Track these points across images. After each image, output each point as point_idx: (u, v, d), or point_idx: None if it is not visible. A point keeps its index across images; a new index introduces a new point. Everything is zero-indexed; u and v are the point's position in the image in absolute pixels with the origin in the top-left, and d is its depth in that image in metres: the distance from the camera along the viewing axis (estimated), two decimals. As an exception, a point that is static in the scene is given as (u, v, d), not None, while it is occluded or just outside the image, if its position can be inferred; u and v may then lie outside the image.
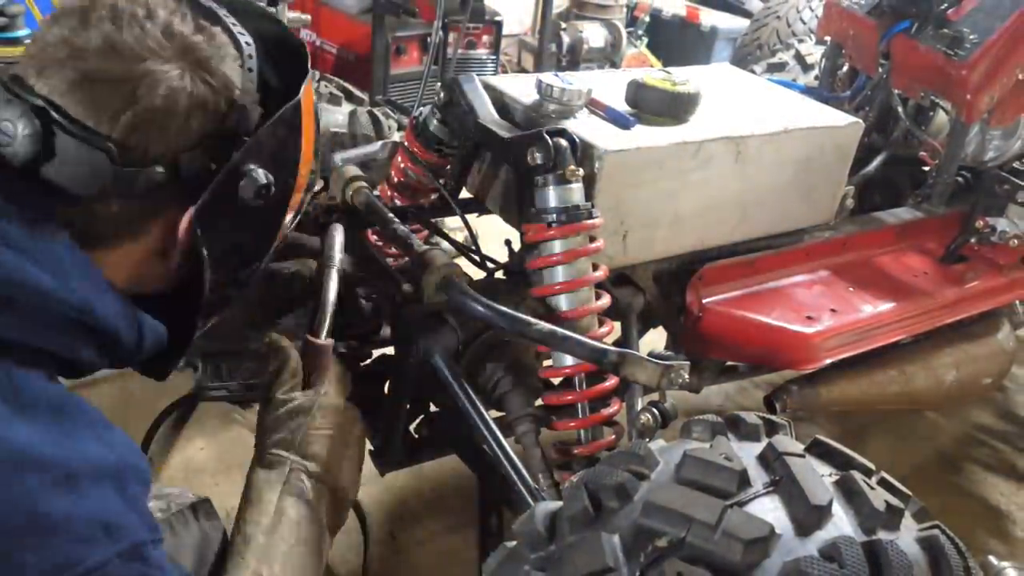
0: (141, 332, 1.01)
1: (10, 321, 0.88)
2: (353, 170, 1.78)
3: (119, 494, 0.89)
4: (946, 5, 1.97)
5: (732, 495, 0.91)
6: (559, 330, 1.32)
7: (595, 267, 1.47)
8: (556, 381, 1.50)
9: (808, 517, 0.90)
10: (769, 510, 0.91)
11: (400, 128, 2.18)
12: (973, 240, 2.11)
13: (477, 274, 1.72)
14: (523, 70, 5.12)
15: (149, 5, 0.96)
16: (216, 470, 2.12)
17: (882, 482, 1.01)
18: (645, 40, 5.35)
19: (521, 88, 1.66)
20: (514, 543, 1.00)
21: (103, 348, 0.98)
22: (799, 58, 2.76)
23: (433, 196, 1.85)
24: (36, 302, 0.88)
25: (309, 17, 3.51)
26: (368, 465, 1.77)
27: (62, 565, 0.82)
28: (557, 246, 1.42)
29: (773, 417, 1.10)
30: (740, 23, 5.16)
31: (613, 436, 1.47)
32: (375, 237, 1.91)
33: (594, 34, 5.01)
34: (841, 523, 0.91)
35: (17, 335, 0.88)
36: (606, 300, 1.48)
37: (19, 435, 0.84)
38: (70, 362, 0.95)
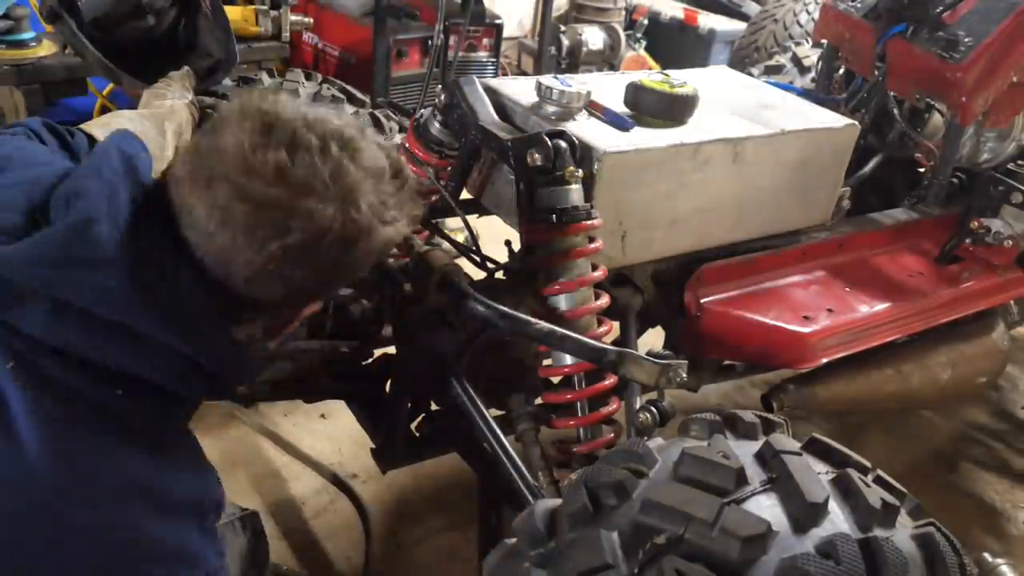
0: (241, 373, 1.09)
1: (130, 351, 0.92)
2: (355, 171, 1.78)
3: (200, 524, 0.98)
4: (941, 8, 1.97)
5: (730, 493, 0.91)
6: (559, 329, 1.32)
7: (594, 267, 1.47)
8: (555, 380, 1.50)
9: (805, 514, 0.90)
10: (766, 507, 0.91)
11: (401, 130, 2.18)
12: (968, 241, 2.11)
13: (477, 274, 1.72)
14: (523, 72, 5.12)
15: (327, 137, 0.97)
16: (220, 468, 2.11)
17: (878, 480, 1.01)
18: (644, 43, 5.35)
19: (521, 90, 1.66)
20: (514, 540, 1.01)
21: (211, 387, 1.04)
22: (796, 61, 2.76)
23: (434, 197, 1.85)
24: (166, 353, 0.94)
25: (311, 20, 3.51)
26: (370, 462, 1.78)
27: None
28: (557, 246, 1.42)
29: (770, 416, 1.10)
30: (737, 26, 5.16)
31: (612, 434, 1.47)
32: (377, 237, 1.91)
33: (593, 37, 5.01)
34: (837, 520, 0.91)
35: (133, 366, 0.93)
36: (605, 300, 1.48)
37: (128, 463, 0.91)
38: (180, 398, 1.01)
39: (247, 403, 2.28)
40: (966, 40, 1.92)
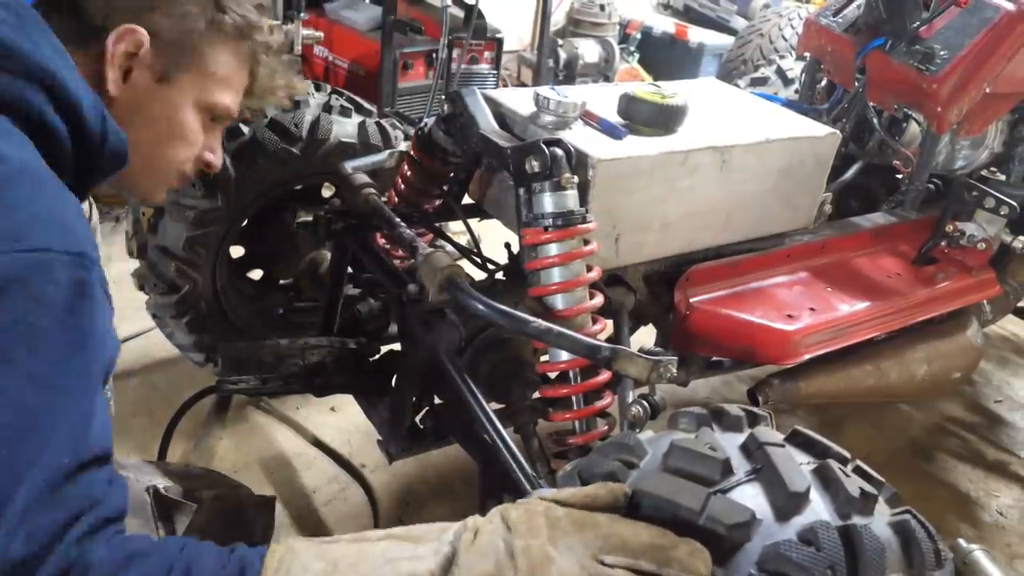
0: (105, 126, 1.02)
1: None
2: (363, 178, 1.79)
3: (76, 211, 0.91)
4: (918, 23, 1.97)
5: (716, 482, 0.91)
6: (555, 327, 1.32)
7: (589, 268, 1.47)
8: (552, 375, 1.49)
9: (787, 503, 0.90)
10: (751, 496, 0.91)
11: (407, 138, 2.18)
12: (944, 243, 2.11)
13: (478, 275, 1.72)
14: (522, 84, 5.12)
15: None
16: (235, 459, 2.13)
17: (857, 470, 1.01)
18: (636, 56, 5.36)
19: (520, 101, 1.66)
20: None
21: (70, 124, 0.98)
22: (780, 73, 2.76)
23: (437, 202, 1.85)
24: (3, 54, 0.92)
25: (322, 34, 3.51)
26: (377, 453, 1.78)
27: (13, 233, 0.82)
28: (553, 249, 1.42)
29: (755, 409, 1.10)
30: (726, 40, 5.17)
31: (606, 427, 1.46)
32: (383, 240, 1.91)
33: (589, 50, 5.01)
34: (818, 508, 0.91)
35: None
36: (599, 299, 1.48)
37: None
38: (40, 126, 0.95)
39: (264, 396, 2.28)
40: (942, 53, 1.92)
